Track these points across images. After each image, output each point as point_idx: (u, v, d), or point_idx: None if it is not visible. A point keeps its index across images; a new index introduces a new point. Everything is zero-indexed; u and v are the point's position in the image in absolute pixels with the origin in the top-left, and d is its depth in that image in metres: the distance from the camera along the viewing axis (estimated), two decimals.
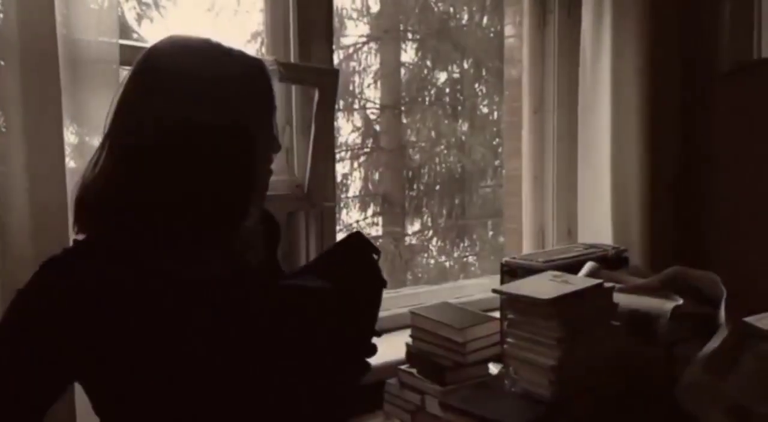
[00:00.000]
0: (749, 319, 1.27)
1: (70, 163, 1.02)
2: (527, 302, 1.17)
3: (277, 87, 0.86)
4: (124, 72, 1.04)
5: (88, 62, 1.04)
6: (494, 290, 1.26)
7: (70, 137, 1.05)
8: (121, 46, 1.07)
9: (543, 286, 1.21)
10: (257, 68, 0.81)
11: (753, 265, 1.78)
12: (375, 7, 4.31)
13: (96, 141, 1.05)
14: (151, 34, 2.41)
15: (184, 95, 0.75)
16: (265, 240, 0.92)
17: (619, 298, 1.28)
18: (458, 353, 1.31)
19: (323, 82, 1.46)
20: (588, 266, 1.45)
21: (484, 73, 4.60)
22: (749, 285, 1.50)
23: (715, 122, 1.92)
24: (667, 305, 1.26)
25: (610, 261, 1.60)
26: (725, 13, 1.88)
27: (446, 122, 4.62)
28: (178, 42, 0.81)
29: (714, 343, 1.20)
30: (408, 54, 4.61)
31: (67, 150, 1.03)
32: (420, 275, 4.74)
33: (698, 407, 1.14)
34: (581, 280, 1.28)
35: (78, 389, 0.87)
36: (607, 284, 1.27)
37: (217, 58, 0.78)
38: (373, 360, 0.93)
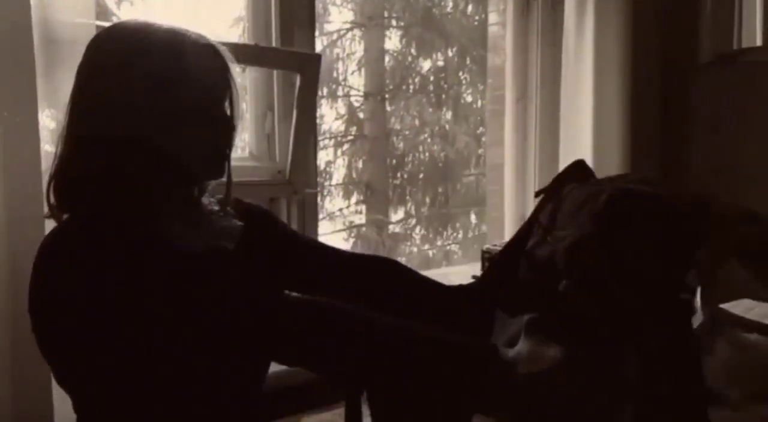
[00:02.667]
0: (724, 305, 1.29)
1: (45, 146, 1.00)
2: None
3: (234, 69, 0.85)
4: None
5: (64, 44, 1.02)
6: (474, 277, 1.27)
7: (45, 120, 1.03)
8: (98, 27, 1.05)
9: None
10: (183, 58, 0.79)
11: None
12: None
13: None
14: (131, 17, 2.37)
15: (105, 91, 0.77)
16: (262, 230, 0.92)
17: None
18: None
19: (305, 67, 1.45)
20: None
21: (468, 61, 4.60)
22: (724, 272, 1.52)
23: (696, 111, 1.93)
24: None
25: None
26: (707, 3, 1.89)
27: (430, 110, 4.62)
28: (114, 34, 0.81)
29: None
30: (392, 41, 4.59)
31: (44, 134, 1.02)
32: (404, 262, 4.76)
33: None
34: None
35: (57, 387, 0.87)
36: None
37: (142, 54, 0.77)
38: None
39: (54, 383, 0.94)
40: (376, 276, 0.95)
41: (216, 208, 0.88)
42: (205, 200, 0.88)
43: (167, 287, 0.72)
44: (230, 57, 0.83)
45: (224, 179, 0.86)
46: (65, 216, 0.80)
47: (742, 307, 1.29)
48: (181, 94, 0.78)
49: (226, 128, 0.83)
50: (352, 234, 4.81)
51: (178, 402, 0.74)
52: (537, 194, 0.93)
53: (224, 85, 0.82)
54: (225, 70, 0.82)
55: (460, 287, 0.98)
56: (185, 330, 0.71)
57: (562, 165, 1.93)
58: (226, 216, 0.88)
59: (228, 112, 0.83)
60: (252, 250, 0.88)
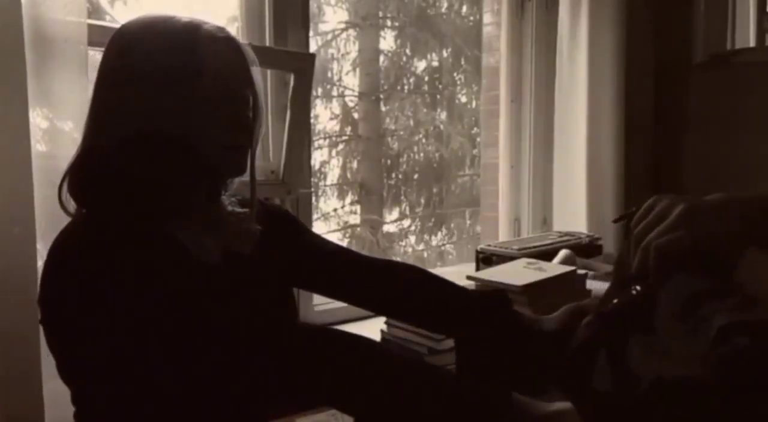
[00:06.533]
0: None
1: (36, 146, 0.99)
2: (499, 288, 1.17)
3: (253, 66, 0.84)
4: (91, 52, 1.02)
5: (56, 42, 1.01)
6: (468, 277, 1.27)
7: (37, 119, 1.02)
8: (90, 26, 1.04)
9: (517, 273, 1.22)
10: (201, 52, 0.78)
11: None
12: None
13: (65, 124, 1.03)
14: (124, 16, 2.36)
15: (132, 87, 0.77)
16: (281, 235, 0.93)
17: (591, 285, 1.29)
18: (433, 339, 1.31)
19: (299, 67, 1.45)
20: (562, 253, 1.47)
21: (462, 62, 4.61)
22: None
23: (689, 111, 1.94)
24: None
25: (584, 249, 1.61)
26: (700, 3, 1.90)
27: (425, 110, 4.62)
28: (131, 30, 0.81)
29: None
30: (387, 41, 4.59)
31: (37, 134, 1.01)
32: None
33: None
34: (555, 267, 1.29)
35: (48, 381, 0.86)
36: (581, 271, 1.28)
37: (160, 50, 0.77)
38: None
39: (44, 384, 0.94)
40: (402, 284, 0.95)
41: (236, 209, 0.88)
42: (225, 199, 0.87)
43: (175, 296, 0.72)
44: (250, 51, 0.83)
45: (248, 179, 0.85)
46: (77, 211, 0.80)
47: None
48: (200, 87, 0.77)
49: (248, 121, 0.82)
50: (347, 234, 4.80)
51: (173, 401, 0.74)
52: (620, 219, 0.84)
53: (244, 76, 0.82)
54: (244, 62, 0.82)
55: (484, 293, 0.98)
56: (186, 337, 0.71)
57: (557, 166, 1.94)
58: (245, 218, 0.88)
59: (250, 104, 0.82)
60: (269, 255, 0.88)
